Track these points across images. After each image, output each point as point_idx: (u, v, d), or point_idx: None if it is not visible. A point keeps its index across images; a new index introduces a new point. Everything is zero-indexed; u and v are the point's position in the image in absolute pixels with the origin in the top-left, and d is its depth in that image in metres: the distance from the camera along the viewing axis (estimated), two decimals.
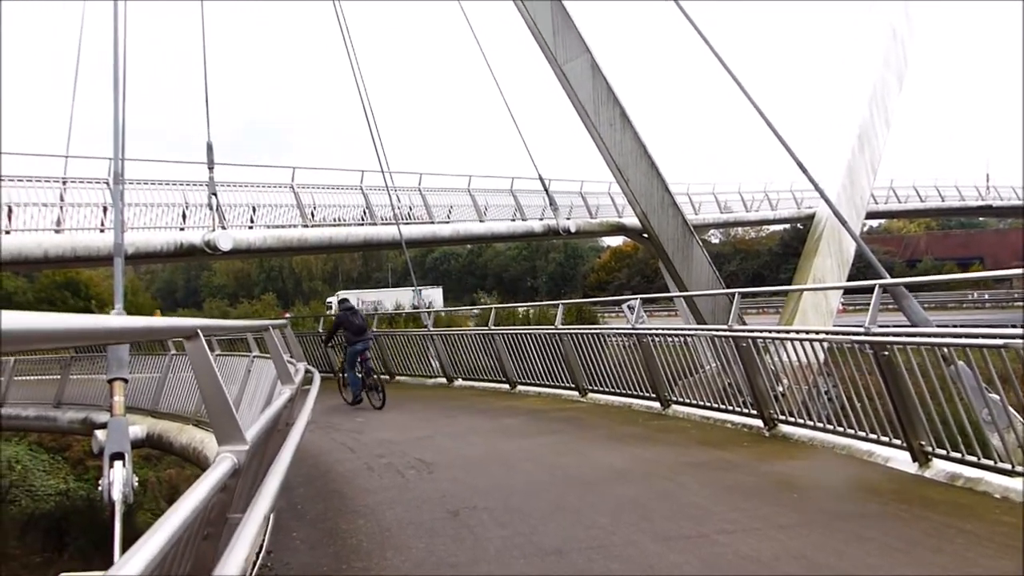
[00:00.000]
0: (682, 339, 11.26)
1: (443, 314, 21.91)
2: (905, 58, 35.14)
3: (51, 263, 18.93)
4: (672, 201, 26.85)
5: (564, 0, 23.31)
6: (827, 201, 15.00)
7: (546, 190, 28.39)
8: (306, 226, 22.06)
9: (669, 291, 28.72)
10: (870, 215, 44.77)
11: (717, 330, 9.92)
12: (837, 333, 8.22)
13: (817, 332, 8.76)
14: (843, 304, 36.78)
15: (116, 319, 1.65)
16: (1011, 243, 60.12)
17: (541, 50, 23.92)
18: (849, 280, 33.64)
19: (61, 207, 17.83)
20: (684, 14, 15.11)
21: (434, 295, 55.20)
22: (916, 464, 6.63)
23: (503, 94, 25.11)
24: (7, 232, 16.66)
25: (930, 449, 6.54)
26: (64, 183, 18.05)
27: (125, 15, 10.82)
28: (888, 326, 7.51)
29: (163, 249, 18.75)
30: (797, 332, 9.23)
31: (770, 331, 9.61)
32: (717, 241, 67.82)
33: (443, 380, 16.97)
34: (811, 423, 8.24)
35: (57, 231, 17.50)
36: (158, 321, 2.58)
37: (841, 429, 7.70)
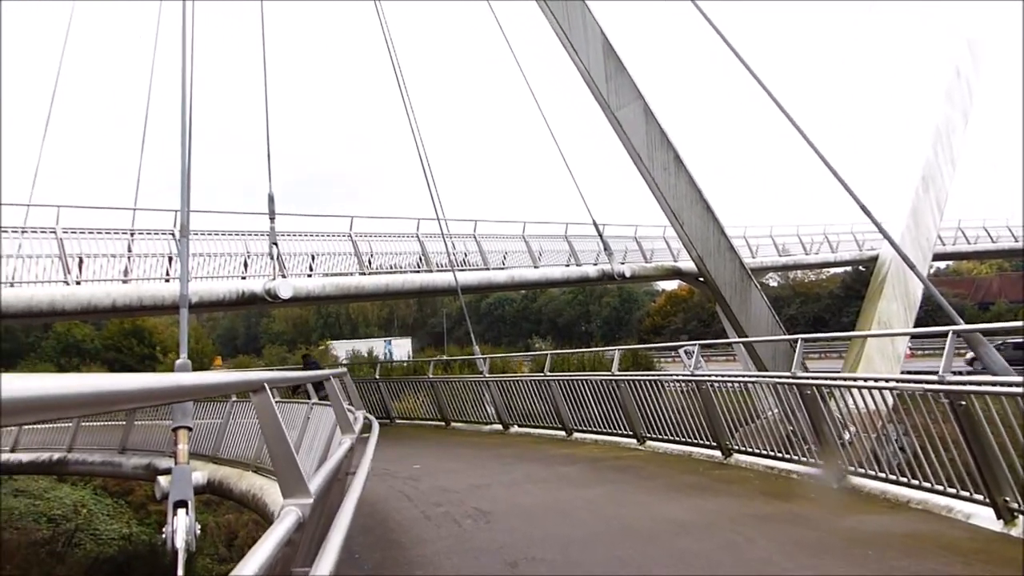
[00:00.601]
0: (742, 385, 11.00)
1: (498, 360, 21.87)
2: (970, 94, 34.44)
3: (119, 312, 19.53)
4: (729, 244, 26.56)
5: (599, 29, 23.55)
6: (892, 243, 14.64)
7: (600, 235, 28.36)
8: (363, 273, 22.38)
9: (727, 335, 28.21)
10: (937, 257, 43.52)
11: (780, 377, 9.67)
12: (909, 381, 7.90)
13: (887, 380, 8.46)
14: (911, 349, 35.63)
15: (187, 377, 1.67)
16: None
17: (594, 96, 24.15)
18: (917, 325, 32.63)
19: (129, 257, 18.47)
20: (736, 55, 15.12)
21: (403, 345, 61.53)
22: (1001, 522, 6.28)
23: (556, 139, 25.36)
24: (77, 283, 17.29)
25: (1016, 506, 6.19)
26: (132, 235, 18.72)
27: (191, 77, 11.28)
28: (960, 372, 7.21)
29: (225, 298, 19.21)
30: (865, 379, 8.91)
31: (836, 378, 9.33)
32: (776, 284, 66.59)
33: (499, 427, 16.86)
34: (883, 475, 7.89)
35: (124, 281, 18.09)
36: (227, 376, 2.61)
37: (916, 482, 7.35)
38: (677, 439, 11.70)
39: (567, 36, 23.32)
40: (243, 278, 19.90)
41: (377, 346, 59.66)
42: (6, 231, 16.79)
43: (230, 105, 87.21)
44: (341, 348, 58.16)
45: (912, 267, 15.01)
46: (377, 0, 21.40)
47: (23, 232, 17.10)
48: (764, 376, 12.17)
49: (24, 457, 20.16)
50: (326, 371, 9.89)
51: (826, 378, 9.20)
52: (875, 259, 38.64)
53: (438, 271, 24.16)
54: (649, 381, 12.58)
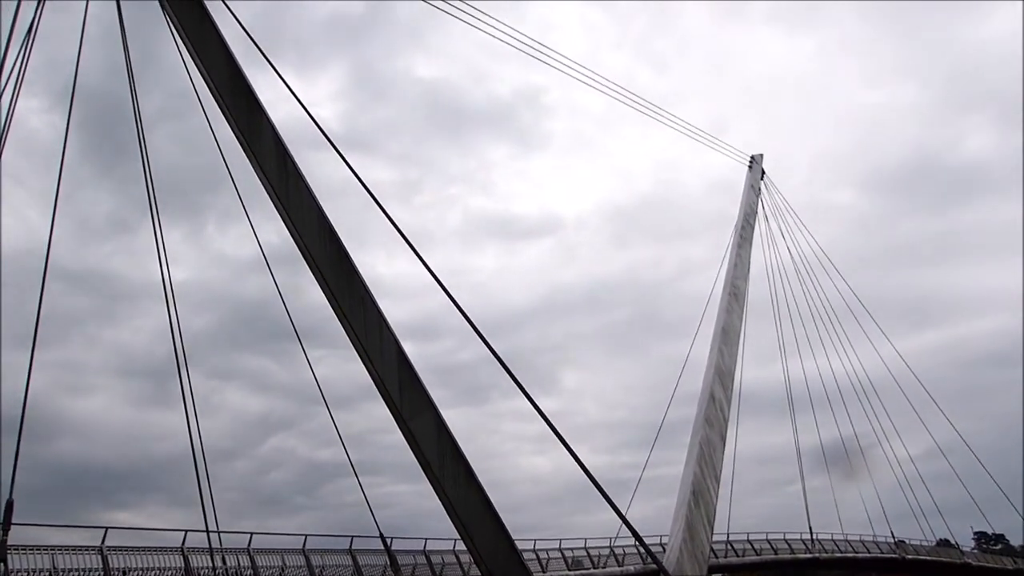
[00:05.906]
0: None
1: None
2: (725, 419, 38.39)
3: None
4: (519, 559, 26.09)
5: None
6: (660, 566, 15.09)
7: (387, 548, 26.93)
8: None
9: None
10: (713, 568, 45.14)
11: None
12: None
13: None
14: None
15: None
16: None
17: (385, 403, 24.20)
18: None
19: None
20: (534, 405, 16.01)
21: None
22: None
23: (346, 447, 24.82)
24: None
25: None
26: None
27: None
28: None
29: None
30: None
31: None
32: None
33: None
34: None
35: None
36: None
37: None
38: None
39: (362, 343, 23.70)
40: None
41: None
42: None
43: None
44: None
45: None
46: None
47: None
48: None
49: None
50: None
51: None
52: (657, 572, 39.38)
53: None
54: None
